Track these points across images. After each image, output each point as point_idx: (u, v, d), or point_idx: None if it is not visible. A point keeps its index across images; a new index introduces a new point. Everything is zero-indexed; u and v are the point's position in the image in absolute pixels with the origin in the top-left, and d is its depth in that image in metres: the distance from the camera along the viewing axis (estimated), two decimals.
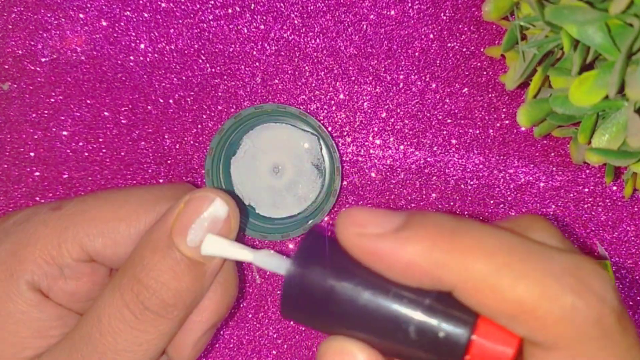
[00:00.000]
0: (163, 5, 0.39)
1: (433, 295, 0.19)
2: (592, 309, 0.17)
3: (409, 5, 0.39)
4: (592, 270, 0.18)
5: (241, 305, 0.39)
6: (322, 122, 0.39)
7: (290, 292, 0.20)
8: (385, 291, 0.19)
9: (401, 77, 0.39)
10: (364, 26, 0.39)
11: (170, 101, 0.39)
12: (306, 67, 0.39)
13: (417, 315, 0.19)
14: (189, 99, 0.39)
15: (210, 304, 0.27)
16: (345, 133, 0.39)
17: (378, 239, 0.19)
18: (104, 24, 0.39)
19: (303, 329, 0.39)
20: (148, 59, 0.39)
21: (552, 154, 0.39)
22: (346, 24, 0.39)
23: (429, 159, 0.39)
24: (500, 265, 0.18)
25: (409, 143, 0.39)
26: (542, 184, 0.39)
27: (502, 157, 0.39)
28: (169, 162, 0.39)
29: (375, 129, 0.39)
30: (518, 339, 0.18)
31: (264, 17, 0.39)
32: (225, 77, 0.39)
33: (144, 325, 0.25)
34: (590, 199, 0.39)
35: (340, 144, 0.39)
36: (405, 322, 0.19)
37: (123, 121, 0.39)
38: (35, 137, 0.39)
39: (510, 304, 0.18)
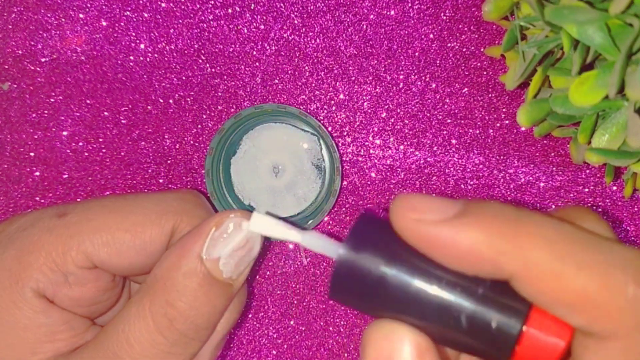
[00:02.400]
0: (163, 5, 0.39)
1: (486, 284, 0.19)
2: None
3: (409, 5, 0.38)
4: None
5: None
6: (322, 122, 0.39)
7: (341, 275, 0.19)
8: (438, 278, 0.19)
9: (401, 77, 0.39)
10: (364, 26, 0.39)
11: (170, 101, 0.39)
12: (306, 67, 0.39)
13: (470, 304, 0.18)
14: (189, 99, 0.39)
15: (225, 313, 0.28)
16: (345, 133, 0.39)
17: (437, 225, 0.18)
18: (104, 24, 0.39)
19: (303, 328, 0.39)
20: (148, 59, 0.39)
21: (552, 154, 0.39)
22: (346, 24, 0.39)
23: (429, 159, 0.39)
24: (563, 253, 0.18)
25: (409, 143, 0.39)
26: (542, 184, 0.39)
27: (502, 157, 0.39)
28: (169, 162, 0.39)
29: (375, 129, 0.39)
30: (570, 330, 0.18)
31: (264, 17, 0.39)
32: (225, 77, 0.39)
33: (175, 348, 0.25)
34: (590, 199, 0.39)
35: (340, 144, 0.39)
36: (457, 311, 0.19)
37: (123, 121, 0.39)
38: (35, 137, 0.39)
39: (572, 293, 0.17)
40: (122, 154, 0.39)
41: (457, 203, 0.19)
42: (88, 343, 0.26)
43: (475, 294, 0.19)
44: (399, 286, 0.19)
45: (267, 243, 0.39)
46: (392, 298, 0.19)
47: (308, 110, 0.39)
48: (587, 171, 0.39)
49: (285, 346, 0.39)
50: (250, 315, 0.39)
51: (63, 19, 0.39)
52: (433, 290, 0.19)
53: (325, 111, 0.39)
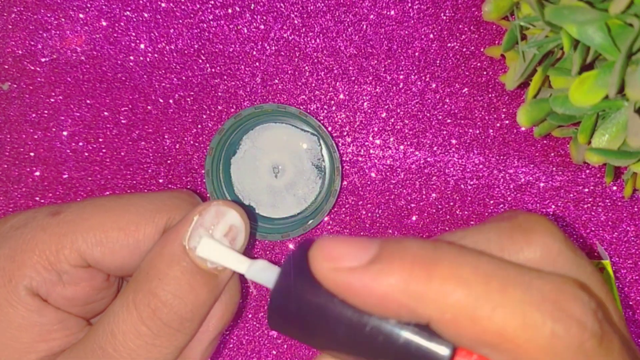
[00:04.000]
0: (163, 5, 0.39)
1: (411, 326, 0.18)
2: (572, 335, 0.17)
3: (409, 5, 0.38)
4: (571, 295, 0.18)
5: (241, 305, 0.39)
6: (322, 122, 0.39)
7: (275, 307, 0.20)
8: (362, 321, 0.19)
9: (401, 77, 0.39)
10: (364, 26, 0.39)
11: (170, 101, 0.39)
12: (306, 67, 0.39)
13: (395, 346, 0.18)
14: (189, 99, 0.39)
15: (217, 312, 0.28)
16: (345, 133, 0.39)
17: (351, 274, 0.18)
18: (104, 24, 0.39)
19: None
20: (148, 59, 0.39)
21: (552, 154, 0.39)
22: (346, 24, 0.39)
23: (429, 159, 0.39)
24: (479, 294, 0.17)
25: (409, 143, 0.39)
26: (542, 184, 0.39)
27: (502, 157, 0.39)
28: (169, 162, 0.39)
29: (375, 129, 0.39)
30: None
31: (264, 17, 0.39)
32: (225, 77, 0.39)
33: (160, 340, 0.25)
34: (590, 199, 0.39)
35: (340, 144, 0.39)
36: (383, 352, 0.19)
37: (123, 121, 0.39)
38: (35, 137, 0.39)
39: (491, 334, 0.17)
40: (122, 154, 0.39)
41: (372, 246, 0.18)
42: (79, 339, 0.26)
43: (399, 335, 0.18)
44: (326, 324, 0.19)
45: (259, 243, 0.39)
46: (322, 334, 0.19)
47: (308, 110, 0.39)
48: (587, 171, 0.39)
49: (285, 346, 0.39)
50: (250, 315, 0.39)
51: (63, 19, 0.39)
52: (357, 333, 0.19)
53: (325, 111, 0.39)
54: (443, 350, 0.18)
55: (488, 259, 0.18)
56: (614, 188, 0.39)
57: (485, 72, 0.39)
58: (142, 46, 0.39)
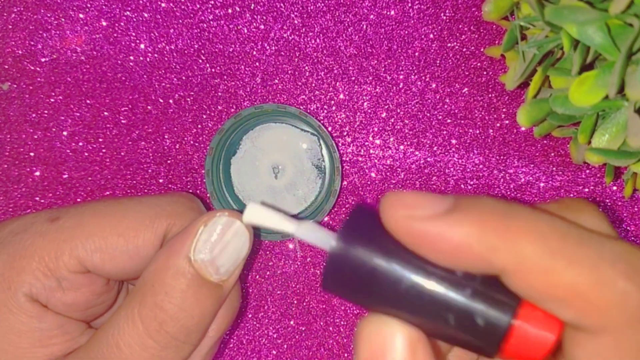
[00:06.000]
0: (163, 5, 0.39)
1: (477, 279, 0.19)
2: None
3: (409, 5, 0.38)
4: None
5: (241, 306, 0.39)
6: (322, 122, 0.39)
7: (332, 268, 0.20)
8: (429, 274, 0.19)
9: (401, 77, 0.39)
10: (364, 26, 0.39)
11: (170, 101, 0.39)
12: (306, 67, 0.39)
13: (460, 299, 0.19)
14: (189, 99, 0.39)
15: (217, 318, 0.28)
16: (345, 133, 0.39)
17: (427, 221, 0.18)
18: (104, 24, 0.39)
19: (303, 328, 0.39)
20: (148, 59, 0.39)
21: (552, 154, 0.39)
22: (346, 24, 0.39)
23: (429, 159, 0.39)
24: (554, 249, 0.17)
25: (409, 143, 0.39)
26: (542, 184, 0.39)
27: (502, 157, 0.39)
28: (169, 162, 0.39)
29: (375, 129, 0.39)
30: (560, 325, 0.18)
31: (264, 17, 0.39)
32: (225, 77, 0.39)
33: (166, 352, 0.25)
34: (590, 199, 0.39)
35: (340, 144, 0.39)
36: (448, 306, 0.19)
37: (123, 121, 0.39)
38: (35, 137, 0.39)
39: (562, 288, 0.17)
40: (122, 154, 0.39)
41: (447, 198, 0.19)
42: (80, 348, 0.26)
43: (465, 289, 0.19)
44: (389, 281, 0.19)
45: (258, 243, 0.39)
46: (383, 292, 0.19)
47: (308, 110, 0.39)
48: (587, 171, 0.39)
49: (285, 346, 0.39)
50: (250, 315, 0.39)
51: (63, 19, 0.39)
52: (424, 286, 0.19)
53: (325, 111, 0.39)
54: (511, 301, 0.19)
55: (560, 219, 0.18)
56: (614, 188, 0.39)
57: (485, 72, 0.39)
58: (142, 46, 0.39)
